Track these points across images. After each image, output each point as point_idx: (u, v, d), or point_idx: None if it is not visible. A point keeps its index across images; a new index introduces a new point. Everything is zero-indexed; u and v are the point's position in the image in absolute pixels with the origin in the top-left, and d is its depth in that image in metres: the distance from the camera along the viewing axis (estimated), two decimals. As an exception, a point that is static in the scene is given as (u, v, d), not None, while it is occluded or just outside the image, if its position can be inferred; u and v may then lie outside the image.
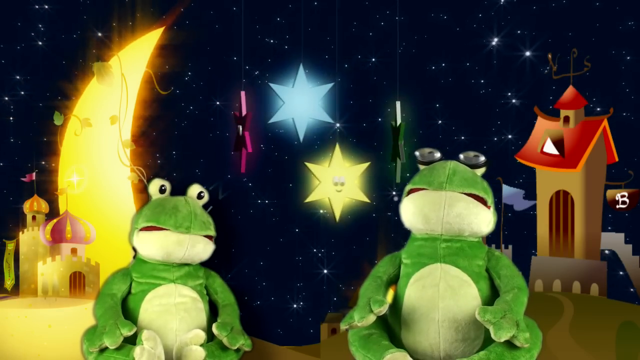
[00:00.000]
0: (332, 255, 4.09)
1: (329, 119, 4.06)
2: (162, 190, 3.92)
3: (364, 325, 3.29)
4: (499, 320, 3.11)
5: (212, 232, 3.90)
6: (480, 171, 3.52)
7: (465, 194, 3.39)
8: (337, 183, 4.03)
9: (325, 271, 4.09)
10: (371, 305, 3.25)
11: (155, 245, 3.78)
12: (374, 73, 4.03)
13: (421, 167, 3.57)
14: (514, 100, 3.92)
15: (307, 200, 4.07)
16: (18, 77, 4.22)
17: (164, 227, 3.76)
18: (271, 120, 4.10)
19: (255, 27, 4.12)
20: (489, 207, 3.46)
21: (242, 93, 4.08)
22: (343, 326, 3.33)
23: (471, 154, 3.53)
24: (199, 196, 3.95)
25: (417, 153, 3.58)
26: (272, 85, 4.09)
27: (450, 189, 3.39)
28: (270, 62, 4.12)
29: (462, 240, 3.45)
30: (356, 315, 3.27)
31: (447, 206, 3.37)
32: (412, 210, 3.46)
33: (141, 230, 3.81)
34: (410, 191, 3.50)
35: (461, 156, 3.53)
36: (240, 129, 4.05)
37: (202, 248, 3.85)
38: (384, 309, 3.27)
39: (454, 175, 3.42)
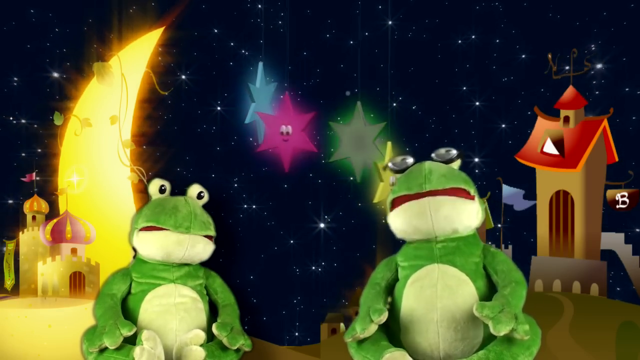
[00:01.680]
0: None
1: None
2: (162, 190, 3.91)
3: (366, 336, 3.33)
4: (497, 315, 3.11)
5: (212, 232, 3.90)
6: (456, 164, 3.52)
7: (446, 189, 3.38)
8: (393, 183, 3.97)
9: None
10: (371, 315, 3.30)
11: (155, 245, 3.78)
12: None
13: (397, 175, 3.56)
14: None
15: (375, 200, 4.06)
16: (16, 79, 4.21)
17: (163, 227, 3.76)
18: (247, 121, 4.16)
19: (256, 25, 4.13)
20: (472, 197, 3.44)
21: (286, 93, 4.09)
22: (347, 339, 3.37)
23: (442, 150, 3.52)
24: (199, 196, 3.95)
25: (389, 163, 3.58)
26: (249, 85, 4.12)
27: (430, 187, 3.38)
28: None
29: (458, 238, 3.44)
30: (358, 327, 3.32)
31: (432, 212, 3.36)
32: (400, 225, 3.47)
33: (141, 230, 3.81)
34: (393, 201, 3.49)
35: (433, 155, 3.52)
36: (290, 128, 4.05)
37: (202, 248, 3.85)
38: (383, 318, 3.31)
39: (430, 175, 3.41)
